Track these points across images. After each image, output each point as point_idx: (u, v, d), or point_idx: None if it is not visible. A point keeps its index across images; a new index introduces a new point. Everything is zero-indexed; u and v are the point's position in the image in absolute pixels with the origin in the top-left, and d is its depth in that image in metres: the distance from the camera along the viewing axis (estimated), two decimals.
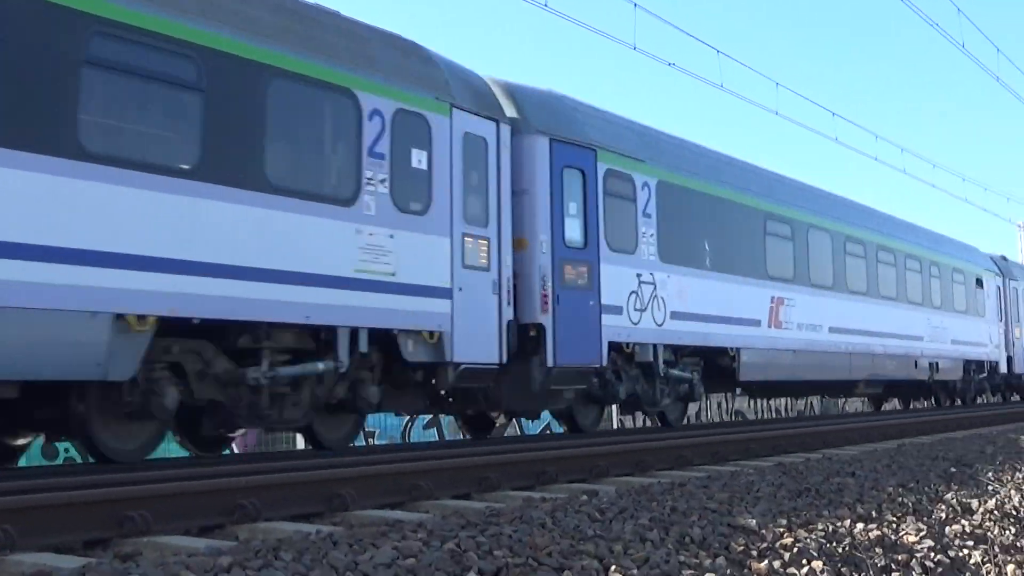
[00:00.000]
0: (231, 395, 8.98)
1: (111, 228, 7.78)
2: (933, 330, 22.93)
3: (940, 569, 5.40)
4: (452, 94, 11.11)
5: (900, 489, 7.71)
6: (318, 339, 9.60)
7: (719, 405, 27.15)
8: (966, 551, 5.84)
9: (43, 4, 7.50)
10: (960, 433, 14.62)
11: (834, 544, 5.47)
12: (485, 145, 11.48)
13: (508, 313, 11.46)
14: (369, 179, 9.97)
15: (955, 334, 24.11)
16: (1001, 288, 27.70)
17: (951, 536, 6.18)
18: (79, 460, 13.43)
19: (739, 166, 17.09)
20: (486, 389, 11.74)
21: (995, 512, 7.05)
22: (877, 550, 5.49)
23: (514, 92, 12.54)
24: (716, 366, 15.36)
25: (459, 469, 7.64)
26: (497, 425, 14.12)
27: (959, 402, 25.70)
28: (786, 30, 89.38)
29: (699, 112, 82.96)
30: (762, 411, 28.82)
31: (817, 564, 4.97)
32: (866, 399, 27.20)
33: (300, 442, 16.51)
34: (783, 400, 29.19)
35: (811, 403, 29.81)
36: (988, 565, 5.62)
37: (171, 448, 14.36)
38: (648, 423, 18.01)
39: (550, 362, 11.86)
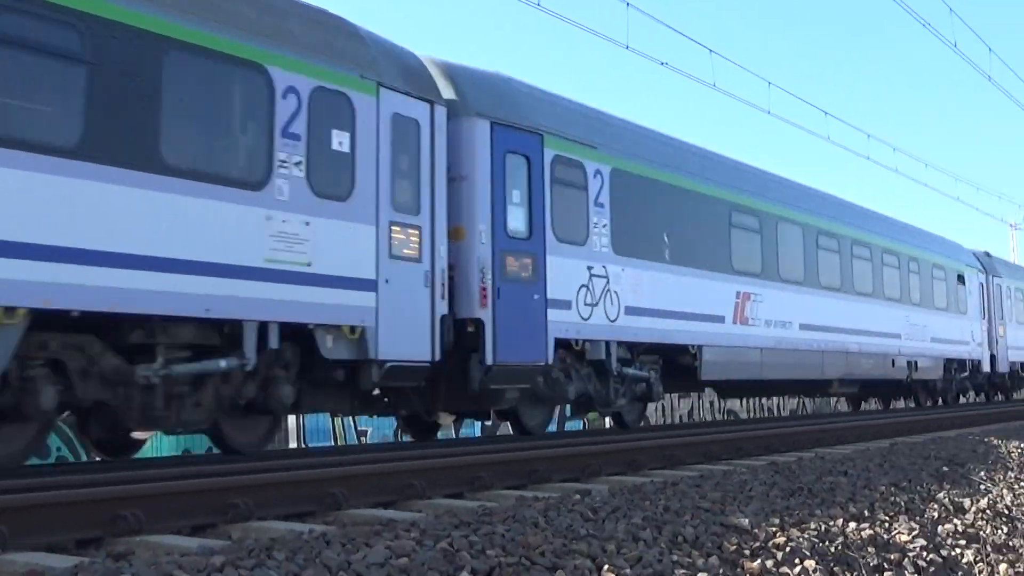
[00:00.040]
0: (120, 395, 8.22)
1: None
2: (912, 328, 22.22)
3: (932, 568, 5.51)
4: (379, 72, 10.35)
5: (892, 488, 7.76)
6: (222, 334, 8.86)
7: (711, 404, 26.48)
8: (958, 550, 5.98)
9: None
10: (953, 432, 14.61)
11: (827, 543, 5.54)
12: (417, 127, 10.73)
13: (442, 307, 10.72)
14: (283, 161, 9.22)
15: (935, 332, 23.42)
16: (984, 285, 27.05)
17: (943, 535, 6.27)
18: (71, 459, 12.86)
19: (702, 155, 16.27)
20: (420, 388, 11.03)
21: (987, 511, 7.21)
22: (870, 549, 5.58)
23: (453, 73, 11.78)
24: (677, 365, 14.63)
25: (452, 468, 7.64)
26: (442, 427, 13.35)
27: (940, 402, 25.03)
28: (778, 30, 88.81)
29: (692, 111, 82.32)
30: (755, 410, 28.19)
31: (810, 563, 5.05)
32: (843, 399, 26.51)
33: (293, 442, 15.82)
34: (775, 399, 28.56)
35: (803, 402, 29.15)
36: (980, 564, 5.74)
37: (163, 447, 13.67)
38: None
39: (489, 360, 11.12)
